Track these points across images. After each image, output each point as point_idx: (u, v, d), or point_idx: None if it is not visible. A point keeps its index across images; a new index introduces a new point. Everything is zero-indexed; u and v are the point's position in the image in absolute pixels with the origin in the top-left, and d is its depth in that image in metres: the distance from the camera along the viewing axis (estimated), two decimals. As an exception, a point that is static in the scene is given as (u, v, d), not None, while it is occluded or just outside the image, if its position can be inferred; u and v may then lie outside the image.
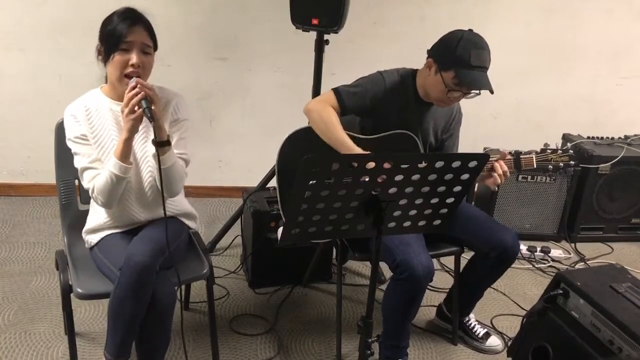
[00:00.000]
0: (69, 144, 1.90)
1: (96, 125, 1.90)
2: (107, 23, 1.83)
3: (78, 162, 1.89)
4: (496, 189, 2.08)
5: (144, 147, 1.93)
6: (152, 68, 1.88)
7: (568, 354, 1.88)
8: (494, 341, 2.43)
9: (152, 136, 1.88)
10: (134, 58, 1.80)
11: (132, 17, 1.82)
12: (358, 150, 2.08)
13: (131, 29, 1.79)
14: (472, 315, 2.48)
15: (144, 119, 1.76)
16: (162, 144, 1.81)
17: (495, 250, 2.16)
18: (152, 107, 1.73)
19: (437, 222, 1.66)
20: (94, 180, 1.85)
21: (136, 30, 1.81)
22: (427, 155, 2.11)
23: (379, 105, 2.17)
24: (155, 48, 1.89)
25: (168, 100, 1.95)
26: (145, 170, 1.94)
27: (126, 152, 1.81)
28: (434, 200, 1.58)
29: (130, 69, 1.80)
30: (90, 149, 1.88)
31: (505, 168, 2.02)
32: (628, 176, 3.38)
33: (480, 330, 2.44)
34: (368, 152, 2.07)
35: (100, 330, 2.35)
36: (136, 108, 1.74)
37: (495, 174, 2.00)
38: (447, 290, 2.55)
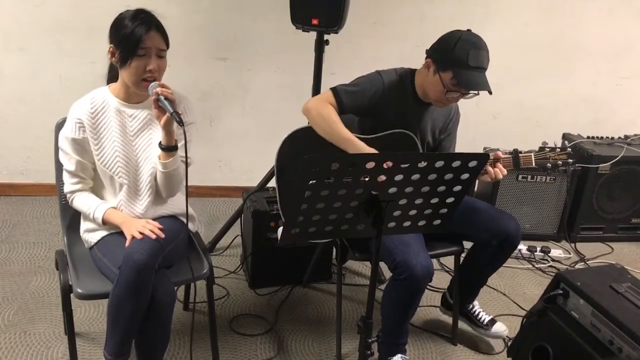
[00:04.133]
0: (61, 139, 1.93)
1: (100, 125, 1.91)
2: (120, 26, 1.82)
3: (63, 161, 1.95)
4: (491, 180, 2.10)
5: (148, 148, 1.95)
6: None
7: (568, 354, 1.88)
8: (500, 327, 2.40)
9: (157, 139, 1.90)
10: (151, 64, 1.82)
11: (147, 22, 1.82)
12: (362, 144, 2.08)
13: (147, 34, 1.80)
14: (476, 302, 2.47)
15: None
16: (169, 148, 1.86)
17: (497, 237, 2.16)
18: (180, 112, 1.77)
19: (437, 222, 1.66)
20: (76, 196, 1.97)
21: (152, 36, 1.82)
22: (427, 155, 2.11)
23: (377, 104, 2.17)
24: (168, 47, 1.91)
25: (177, 103, 1.96)
26: (146, 171, 1.95)
27: (112, 225, 1.93)
28: (434, 200, 1.58)
29: (148, 74, 1.83)
30: (79, 154, 1.91)
31: (505, 171, 2.04)
32: (628, 176, 3.38)
33: (485, 317, 2.42)
34: (373, 151, 2.07)
35: (100, 330, 2.35)
36: (160, 104, 1.79)
37: (489, 168, 2.03)
38: (449, 284, 2.54)
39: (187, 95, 2.02)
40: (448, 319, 2.53)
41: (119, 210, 1.96)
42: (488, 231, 2.17)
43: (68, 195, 1.98)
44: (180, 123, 1.73)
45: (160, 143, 1.87)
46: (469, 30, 2.05)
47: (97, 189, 2.01)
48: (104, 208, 1.93)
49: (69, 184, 1.96)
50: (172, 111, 1.75)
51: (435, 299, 2.73)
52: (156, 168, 1.92)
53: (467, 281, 2.39)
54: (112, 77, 1.98)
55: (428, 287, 2.69)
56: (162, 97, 1.77)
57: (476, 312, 2.45)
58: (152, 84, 1.81)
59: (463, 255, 2.32)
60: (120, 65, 1.85)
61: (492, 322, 2.42)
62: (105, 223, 1.94)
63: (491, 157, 2.08)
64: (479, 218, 2.21)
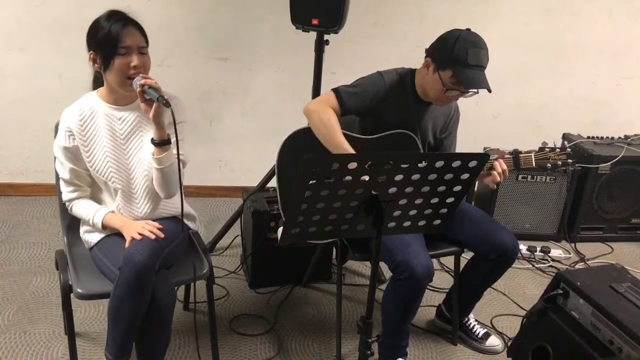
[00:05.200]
0: (55, 148, 1.93)
1: (89, 132, 1.91)
2: (96, 29, 1.82)
3: (58, 170, 1.96)
4: (495, 187, 2.09)
5: (140, 151, 1.94)
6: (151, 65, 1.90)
7: (568, 354, 1.88)
8: (494, 341, 2.43)
9: (148, 140, 1.89)
10: (135, 60, 1.81)
11: (122, 20, 1.81)
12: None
13: (125, 31, 1.79)
14: (471, 316, 2.49)
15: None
16: (162, 142, 1.84)
17: (495, 252, 2.16)
18: (166, 97, 1.75)
19: (437, 222, 1.66)
20: (74, 203, 1.97)
21: (130, 32, 1.81)
22: (427, 154, 2.11)
23: (379, 105, 2.17)
24: (147, 44, 1.89)
25: None
26: (140, 174, 1.94)
27: (112, 229, 1.94)
28: (434, 200, 1.58)
29: (132, 72, 1.81)
30: (72, 162, 1.92)
31: (505, 167, 2.03)
32: (628, 176, 3.38)
33: (480, 331, 2.44)
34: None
35: (100, 330, 2.35)
36: (146, 96, 1.78)
37: (495, 172, 2.01)
38: (447, 291, 2.55)
39: (178, 96, 2.00)
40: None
41: (118, 214, 1.96)
42: (486, 244, 2.17)
43: (67, 204, 1.99)
44: (167, 105, 1.72)
45: (152, 139, 1.86)
46: (468, 29, 2.06)
47: (96, 194, 2.01)
48: (102, 213, 1.93)
49: (66, 192, 1.96)
50: (157, 96, 1.74)
51: (435, 299, 2.73)
52: (151, 168, 1.90)
53: (464, 294, 2.39)
54: (97, 84, 1.98)
55: (428, 287, 2.69)
56: (146, 87, 1.76)
57: (471, 326, 2.46)
58: (136, 78, 1.79)
59: (463, 255, 2.32)
60: (104, 69, 1.83)
61: (487, 335, 2.44)
62: (105, 228, 1.94)
63: (492, 158, 2.08)
64: (477, 229, 2.20)
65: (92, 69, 1.90)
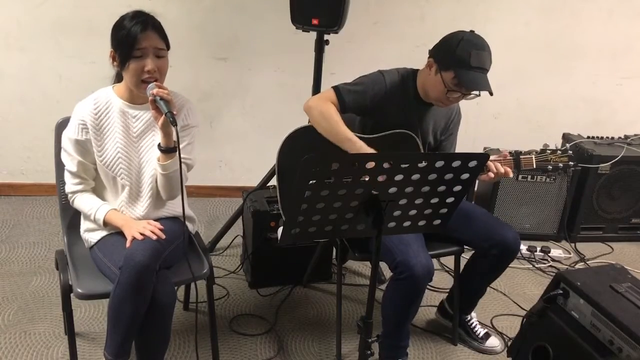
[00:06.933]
0: (64, 140, 1.93)
1: (103, 125, 1.91)
2: (118, 29, 1.82)
3: (65, 161, 1.95)
4: (494, 179, 2.11)
5: (151, 150, 1.94)
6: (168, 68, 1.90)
7: (568, 354, 1.88)
8: (494, 342, 2.43)
9: (158, 141, 1.89)
10: (148, 64, 1.81)
11: (142, 22, 1.81)
12: (362, 144, 2.07)
13: (143, 34, 1.79)
14: (474, 314, 2.48)
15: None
16: (168, 150, 1.85)
17: (496, 247, 2.16)
18: (175, 112, 1.75)
19: (437, 221, 1.66)
20: (77, 196, 1.97)
21: (148, 36, 1.80)
22: (427, 154, 2.11)
23: (379, 104, 2.17)
24: (168, 48, 1.90)
25: (181, 106, 1.96)
26: (148, 173, 1.95)
27: (113, 227, 1.93)
28: (434, 200, 1.58)
29: (146, 75, 1.82)
30: (81, 155, 1.91)
31: (502, 170, 2.04)
32: (628, 176, 3.38)
33: (481, 331, 2.44)
34: (372, 151, 2.07)
35: (100, 330, 2.35)
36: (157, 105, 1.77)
37: (490, 173, 2.03)
38: (448, 290, 2.55)
39: (189, 98, 2.01)
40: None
41: (120, 212, 1.96)
42: (487, 240, 2.17)
43: (69, 195, 1.98)
44: (174, 123, 1.72)
45: (159, 145, 1.87)
46: (471, 31, 2.06)
47: (98, 190, 2.01)
48: (105, 210, 1.93)
49: (70, 184, 1.96)
50: (166, 111, 1.74)
51: (435, 299, 2.73)
52: (156, 170, 1.92)
53: (466, 290, 2.39)
54: (119, 78, 1.98)
55: (428, 287, 2.69)
56: (157, 98, 1.76)
57: (473, 325, 2.46)
58: (150, 85, 1.80)
59: (463, 255, 2.32)
60: (121, 68, 1.85)
61: (487, 335, 2.44)
62: (106, 225, 1.94)
63: (492, 158, 2.08)
64: (478, 226, 2.21)
65: (111, 66, 1.90)
